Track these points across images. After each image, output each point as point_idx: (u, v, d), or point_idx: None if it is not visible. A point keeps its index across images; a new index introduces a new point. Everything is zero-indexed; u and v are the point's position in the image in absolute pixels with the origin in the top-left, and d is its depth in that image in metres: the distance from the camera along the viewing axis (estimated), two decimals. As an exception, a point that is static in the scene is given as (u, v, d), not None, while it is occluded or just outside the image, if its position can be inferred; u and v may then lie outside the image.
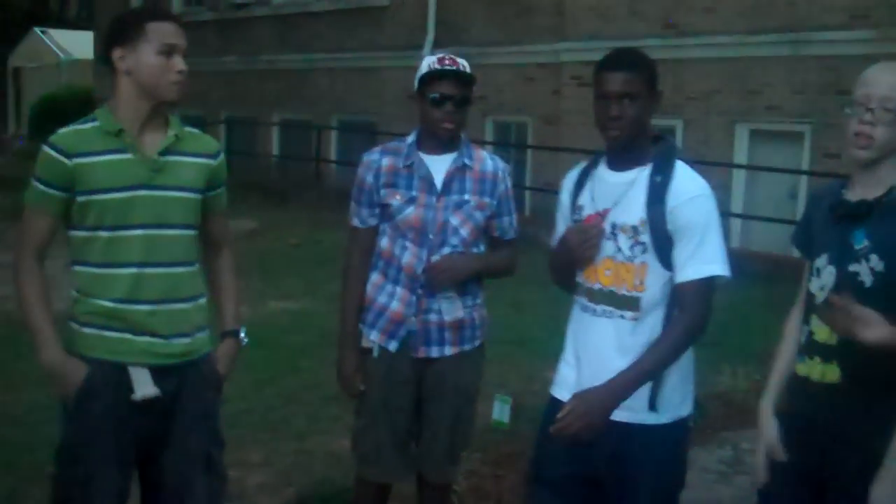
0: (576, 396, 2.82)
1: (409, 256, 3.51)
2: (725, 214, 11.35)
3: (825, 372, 2.76)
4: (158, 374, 2.99)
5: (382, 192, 3.54)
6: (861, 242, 2.70)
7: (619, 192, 2.90)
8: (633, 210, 2.86)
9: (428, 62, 3.51)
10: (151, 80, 2.92)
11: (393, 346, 3.55)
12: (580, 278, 2.98)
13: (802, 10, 10.83)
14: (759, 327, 7.35)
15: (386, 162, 3.56)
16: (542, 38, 13.31)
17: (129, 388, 2.95)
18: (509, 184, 3.67)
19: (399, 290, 3.54)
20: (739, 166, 11.54)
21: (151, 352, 2.98)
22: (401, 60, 15.21)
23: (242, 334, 3.30)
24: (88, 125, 2.97)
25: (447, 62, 3.48)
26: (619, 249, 2.88)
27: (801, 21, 10.83)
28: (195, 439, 3.08)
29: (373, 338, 3.58)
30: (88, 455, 2.94)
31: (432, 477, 3.73)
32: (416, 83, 3.52)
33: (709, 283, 2.85)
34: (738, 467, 5.23)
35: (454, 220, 3.51)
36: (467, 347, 3.62)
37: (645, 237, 2.84)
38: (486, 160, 3.63)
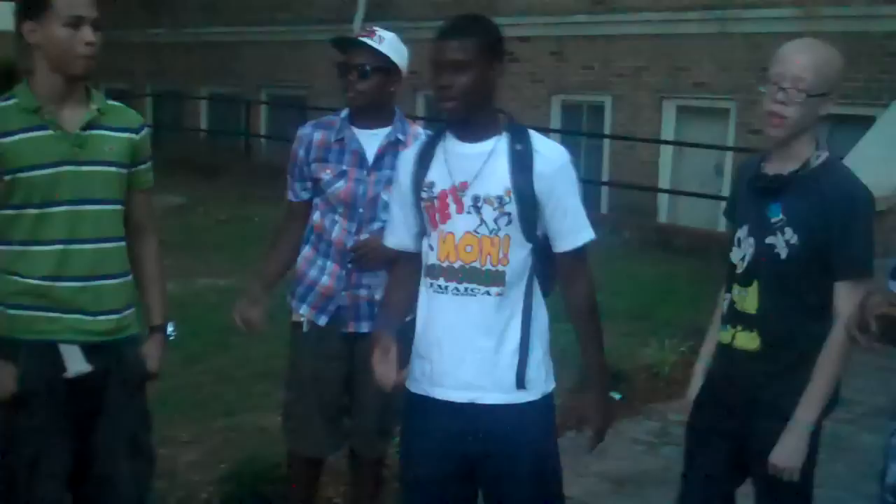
0: (581, 404, 2.82)
1: (339, 230, 3.51)
2: (653, 189, 11.53)
3: (746, 339, 2.86)
4: (88, 351, 2.96)
5: (313, 166, 3.53)
6: (776, 215, 2.78)
7: (477, 164, 2.75)
8: (496, 180, 2.74)
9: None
10: (58, 53, 2.85)
11: (322, 320, 3.55)
12: (433, 259, 2.81)
13: (729, -13, 10.97)
14: (686, 300, 7.47)
15: (318, 136, 3.55)
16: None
17: (62, 367, 2.93)
18: None
19: (329, 264, 3.54)
20: (667, 142, 11.69)
21: (81, 329, 2.95)
22: (331, 34, 14.98)
23: (170, 329, 3.27)
24: (8, 102, 2.90)
25: (363, 33, 3.49)
26: (483, 222, 2.75)
27: (727, -1, 10.98)
28: (122, 420, 3.06)
29: (302, 312, 3.58)
30: (31, 438, 2.91)
31: (363, 451, 3.74)
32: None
33: (587, 249, 2.85)
34: (666, 438, 5.32)
35: (385, 195, 3.48)
36: None
37: (510, 207, 2.73)
38: (420, 136, 3.60)
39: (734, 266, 2.91)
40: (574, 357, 5.54)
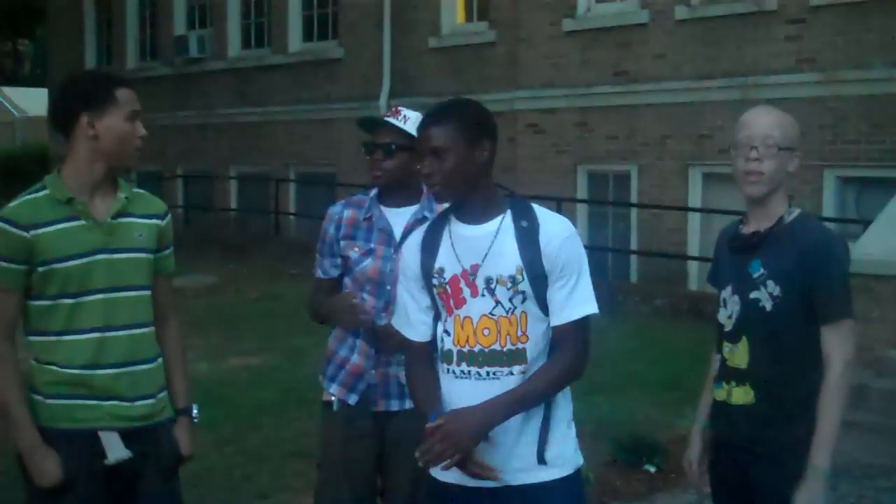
0: (447, 415, 2.69)
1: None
2: (681, 257, 11.49)
3: (739, 394, 2.98)
4: (126, 437, 2.99)
5: (342, 243, 3.56)
6: (757, 270, 2.95)
7: (485, 245, 2.75)
8: (506, 259, 2.73)
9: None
10: (118, 147, 2.95)
11: (353, 399, 3.53)
12: (449, 345, 2.79)
13: (750, 54, 11.03)
14: (719, 369, 7.39)
15: (347, 214, 3.59)
16: (497, 86, 13.44)
17: (101, 454, 2.95)
18: None
19: (359, 342, 3.54)
20: (693, 209, 11.66)
21: (119, 415, 2.98)
22: (357, 111, 15.24)
23: (195, 412, 3.29)
24: (39, 194, 2.96)
25: (388, 113, 3.55)
26: (498, 303, 2.73)
27: (749, 65, 11.03)
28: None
29: (332, 391, 3.57)
30: None
31: None
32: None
33: (587, 322, 2.80)
34: (703, 511, 5.23)
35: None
36: None
37: (524, 285, 2.72)
38: None
39: (722, 326, 3.07)
40: (608, 429, 5.49)
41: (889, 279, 7.20)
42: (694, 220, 11.72)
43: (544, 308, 2.75)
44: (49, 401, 2.94)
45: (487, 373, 2.74)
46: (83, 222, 2.94)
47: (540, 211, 2.81)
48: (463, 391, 2.76)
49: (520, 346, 2.74)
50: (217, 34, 18.15)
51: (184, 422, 3.23)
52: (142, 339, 3.06)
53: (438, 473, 2.81)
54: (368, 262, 3.52)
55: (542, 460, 2.75)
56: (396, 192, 3.56)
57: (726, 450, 3.07)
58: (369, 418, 3.52)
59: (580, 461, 2.88)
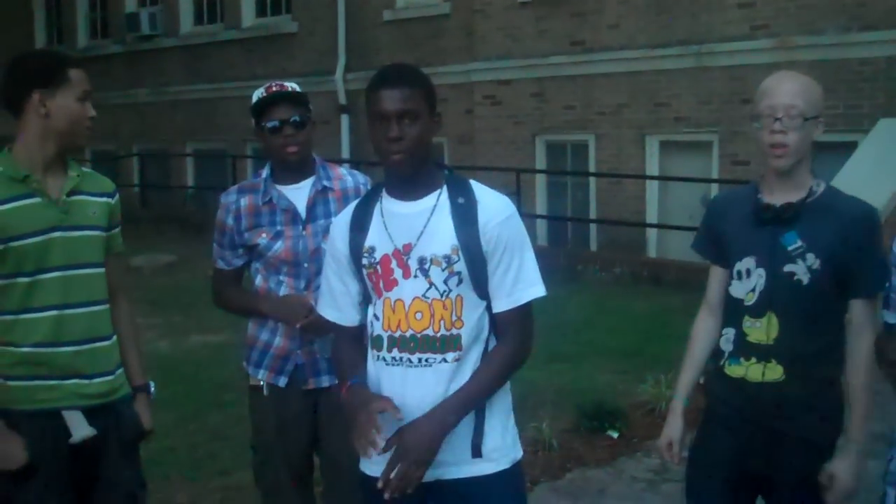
0: (397, 434, 2.53)
1: (287, 290, 3.46)
2: (640, 225, 11.57)
3: (765, 371, 2.85)
4: (87, 415, 2.98)
5: (246, 234, 3.48)
6: (794, 243, 2.81)
7: (419, 223, 2.59)
8: (441, 238, 2.57)
9: (257, 94, 3.46)
10: (69, 126, 2.93)
11: (282, 381, 3.50)
12: (378, 330, 2.63)
13: (704, 22, 11.08)
14: (679, 335, 7.42)
15: (245, 202, 3.50)
16: (453, 58, 13.41)
17: (65, 434, 2.94)
18: None
19: (281, 325, 3.48)
20: (651, 178, 11.74)
21: (81, 393, 2.97)
22: (313, 86, 15.14)
23: (152, 388, 3.29)
24: None
25: (274, 88, 3.46)
26: (432, 285, 2.57)
27: (703, 33, 11.09)
28: (121, 481, 3.08)
29: (260, 377, 3.53)
30: None
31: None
32: (252, 118, 3.47)
33: (531, 307, 2.65)
34: (666, 475, 5.28)
35: (326, 245, 3.48)
36: None
37: (460, 266, 2.56)
38: (346, 177, 3.58)
39: (738, 300, 2.92)
40: (570, 397, 5.52)
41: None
42: (652, 187, 11.80)
43: (481, 292, 2.60)
44: (10, 382, 2.92)
45: (420, 360, 2.59)
46: (39, 200, 2.92)
47: (477, 187, 2.66)
48: (393, 379, 2.62)
49: (454, 331, 2.58)
50: (169, 11, 17.93)
51: (142, 398, 3.23)
52: (99, 316, 3.05)
53: (368, 468, 2.69)
54: (279, 244, 3.45)
55: (477, 453, 2.61)
56: (293, 168, 3.48)
57: (741, 427, 2.92)
58: (300, 397, 3.47)
59: (519, 454, 2.74)
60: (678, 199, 11.66)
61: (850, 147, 9.41)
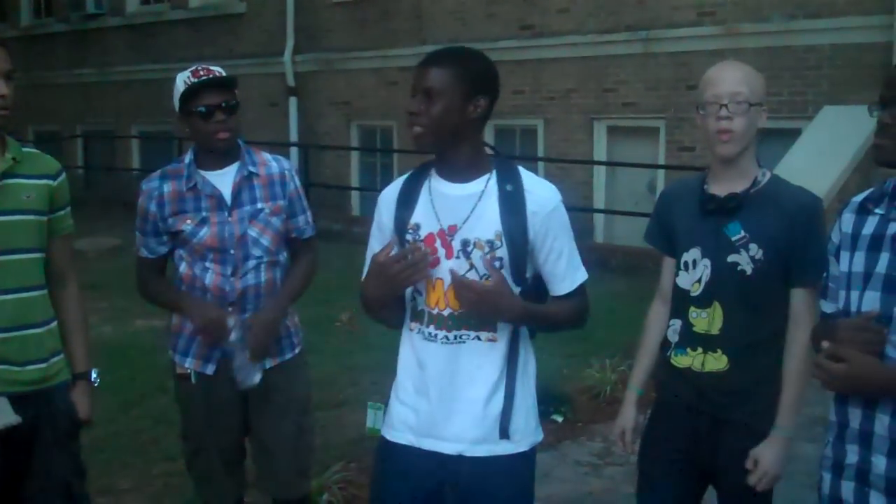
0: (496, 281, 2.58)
1: (213, 276, 3.43)
2: (588, 210, 11.63)
3: (710, 361, 2.89)
4: (16, 402, 2.90)
5: (170, 220, 3.43)
6: (737, 233, 2.84)
7: (466, 206, 2.63)
8: (486, 223, 2.62)
9: (182, 78, 3.41)
10: None
11: (210, 369, 3.48)
12: (422, 305, 2.70)
13: (652, 8, 11.15)
14: (625, 319, 7.50)
15: (168, 188, 3.45)
16: (403, 42, 13.36)
17: None
18: (297, 182, 3.61)
19: None
20: (599, 163, 11.80)
21: (7, 379, 2.90)
22: (261, 67, 15.03)
23: (94, 376, 3.22)
24: None
25: (202, 73, 3.40)
26: (473, 267, 2.62)
27: (651, 19, 11.16)
28: (55, 470, 3.01)
29: (188, 365, 3.50)
30: None
31: (282, 493, 3.66)
32: (176, 103, 3.41)
33: (584, 287, 2.78)
34: (609, 459, 5.35)
35: (252, 232, 3.44)
36: (288, 356, 3.58)
37: (502, 251, 2.62)
38: (271, 163, 3.56)
39: (684, 291, 2.94)
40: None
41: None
42: (599, 173, 11.87)
43: (518, 278, 2.66)
44: None
45: (455, 336, 2.66)
46: None
47: (526, 175, 2.70)
48: (428, 353, 2.69)
49: None
50: (114, -11, 17.64)
51: (82, 385, 3.16)
52: (31, 303, 2.97)
53: (389, 434, 2.78)
54: (205, 231, 3.41)
55: (504, 435, 2.68)
56: (220, 153, 3.45)
57: (688, 417, 2.95)
58: (229, 384, 3.44)
59: (539, 437, 2.80)
60: (625, 184, 11.74)
61: (794, 134, 9.53)
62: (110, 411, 5.67)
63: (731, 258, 2.85)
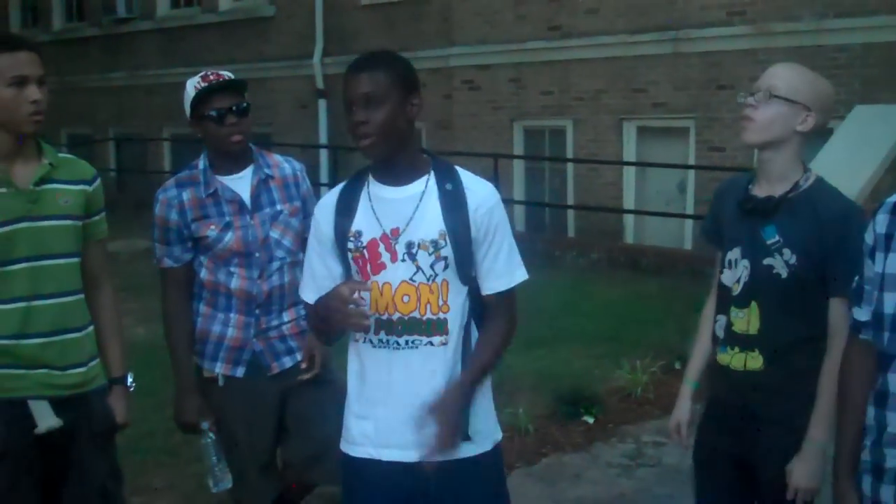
0: (438, 400, 2.56)
1: (239, 280, 3.45)
2: (618, 211, 11.60)
3: (746, 360, 2.88)
4: (57, 406, 2.94)
5: (193, 226, 3.44)
6: (772, 237, 2.82)
7: (408, 208, 2.61)
8: (429, 223, 2.60)
9: (192, 83, 3.45)
10: (5, 115, 2.84)
11: (240, 372, 3.49)
12: (368, 311, 2.61)
13: (681, 8, 11.10)
14: (656, 320, 7.51)
15: (187, 195, 3.46)
16: (431, 43, 13.37)
17: (31, 423, 2.90)
18: (308, 182, 3.66)
19: (233, 316, 3.48)
20: (629, 163, 11.76)
21: (49, 384, 2.93)
22: (291, 70, 15.11)
23: (130, 380, 3.25)
24: None
25: (212, 77, 3.44)
26: (419, 269, 2.60)
27: (680, 19, 11.11)
28: (92, 472, 3.04)
29: (217, 370, 3.51)
30: (3, 497, 2.87)
31: (329, 480, 3.58)
32: (187, 108, 3.46)
33: (516, 289, 2.73)
34: (641, 460, 5.33)
35: (275, 234, 3.47)
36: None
37: (446, 251, 2.60)
38: (283, 164, 3.61)
39: (727, 288, 2.94)
40: (546, 382, 5.53)
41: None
42: (629, 173, 11.83)
43: (464, 277, 2.64)
44: None
45: (406, 342, 2.62)
46: (4, 190, 2.88)
47: (463, 173, 2.69)
48: (379, 362, 2.66)
49: (441, 315, 2.63)
50: (145, -7, 17.77)
51: (118, 390, 3.19)
52: (70, 308, 3.00)
53: (350, 448, 2.74)
54: (230, 236, 3.43)
55: (465, 436, 2.64)
56: (234, 157, 3.46)
57: (724, 414, 2.96)
58: (265, 384, 3.46)
59: (499, 436, 2.80)
60: (655, 185, 11.70)
61: (825, 133, 9.45)
62: (143, 411, 5.68)
63: (766, 261, 2.83)
